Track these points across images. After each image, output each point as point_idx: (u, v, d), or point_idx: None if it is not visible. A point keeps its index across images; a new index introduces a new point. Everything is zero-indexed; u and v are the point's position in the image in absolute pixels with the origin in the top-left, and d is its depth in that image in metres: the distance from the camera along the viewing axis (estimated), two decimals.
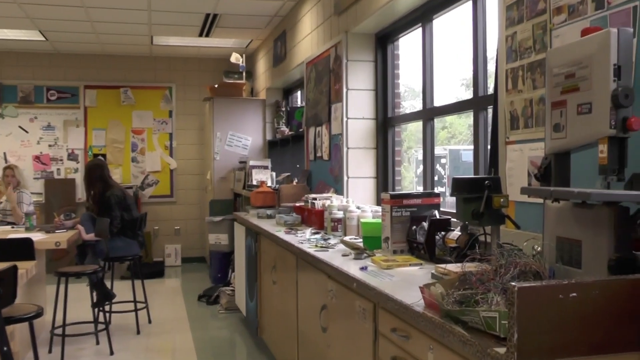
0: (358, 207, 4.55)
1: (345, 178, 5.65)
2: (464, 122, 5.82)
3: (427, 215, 3.50)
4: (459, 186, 2.87)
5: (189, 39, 9.67)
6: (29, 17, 8.28)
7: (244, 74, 9.91)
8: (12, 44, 10.04)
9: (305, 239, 4.31)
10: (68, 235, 6.03)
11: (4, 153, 10.55)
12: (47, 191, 10.48)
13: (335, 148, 5.91)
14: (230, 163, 9.38)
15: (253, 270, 5.85)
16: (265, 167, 8.55)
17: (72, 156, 10.77)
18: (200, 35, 9.32)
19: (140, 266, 7.20)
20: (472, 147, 5.20)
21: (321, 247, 3.92)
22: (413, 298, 2.42)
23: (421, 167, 5.74)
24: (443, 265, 2.78)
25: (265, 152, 9.49)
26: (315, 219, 5.01)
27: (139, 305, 6.87)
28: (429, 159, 4.83)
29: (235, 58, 9.52)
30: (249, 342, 6.29)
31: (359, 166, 5.67)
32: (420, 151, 5.75)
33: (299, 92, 9.05)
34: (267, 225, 5.36)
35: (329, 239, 4.31)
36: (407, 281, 2.81)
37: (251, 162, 8.54)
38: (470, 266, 2.42)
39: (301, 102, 8.74)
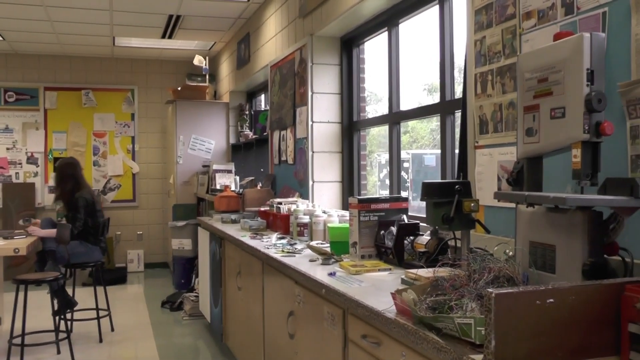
0: (324, 212, 4.51)
1: (310, 182, 5.61)
2: (425, 126, 5.82)
3: (395, 220, 3.47)
4: (429, 191, 2.84)
5: (151, 40, 9.56)
6: None
7: (207, 76, 9.83)
8: None
9: (271, 244, 4.26)
10: (27, 241, 5.89)
11: None
12: (5, 196, 10.26)
13: (300, 152, 5.87)
14: (194, 167, 9.29)
15: (217, 275, 5.78)
16: (229, 171, 8.48)
17: (31, 159, 10.56)
18: (163, 36, 9.22)
19: (102, 272, 7.08)
20: (434, 151, 5.22)
21: (288, 252, 3.87)
22: (384, 304, 2.39)
23: (384, 171, 5.73)
24: (413, 271, 2.75)
25: (228, 156, 9.42)
26: (280, 223, 4.96)
27: (101, 313, 6.75)
28: (395, 163, 4.81)
29: (198, 60, 9.45)
30: (213, 348, 6.21)
31: (325, 170, 5.63)
32: (383, 155, 5.75)
33: (262, 96, 9.00)
34: (231, 230, 5.29)
35: (295, 244, 4.26)
36: (377, 287, 2.77)
37: (214, 166, 8.47)
38: (441, 271, 2.39)
39: (265, 106, 8.69)
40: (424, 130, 6.53)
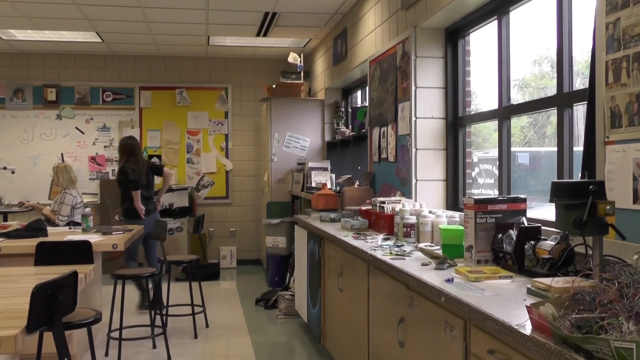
0: (431, 212, 4.30)
1: (413, 181, 5.39)
2: (515, 123, 5.50)
3: (514, 223, 3.22)
4: (559, 191, 2.59)
5: (246, 38, 9.50)
6: (87, 19, 8.20)
7: (302, 74, 9.71)
8: (70, 46, 10.01)
9: (377, 246, 4.06)
10: (125, 237, 5.88)
11: (61, 154, 10.54)
12: (102, 192, 10.41)
13: (402, 149, 5.65)
14: (288, 165, 9.19)
15: (316, 275, 5.62)
16: (325, 169, 8.34)
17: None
18: (258, 34, 9.15)
19: (196, 268, 7.02)
20: (527, 149, 4.92)
21: (396, 254, 3.67)
22: (514, 317, 2.17)
23: (476, 169, 5.46)
24: (542, 280, 2.52)
25: (324, 154, 9.27)
26: (384, 223, 4.76)
27: (196, 309, 6.71)
28: (506, 161, 4.55)
29: (292, 58, 9.33)
30: (309, 349, 6.06)
31: (428, 168, 5.40)
32: (475, 152, 5.46)
33: (359, 92, 8.81)
34: (331, 230, 5.12)
35: (402, 245, 4.06)
36: (501, 296, 2.54)
37: (310, 164, 8.33)
38: (580, 282, 2.15)
39: (362, 102, 8.50)
40: (514, 127, 6.21)
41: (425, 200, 5.34)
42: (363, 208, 5.37)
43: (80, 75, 10.64)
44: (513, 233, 3.14)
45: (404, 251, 3.77)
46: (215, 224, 11.04)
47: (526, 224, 3.20)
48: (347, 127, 8.63)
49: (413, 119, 5.39)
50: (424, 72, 5.42)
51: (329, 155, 9.13)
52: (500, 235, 3.20)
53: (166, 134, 10.82)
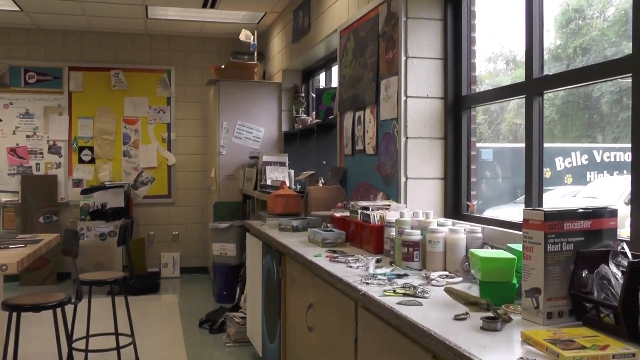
0: (440, 224, 3.05)
1: (402, 179, 4.12)
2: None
3: (606, 251, 1.97)
4: None
5: (190, 10, 8.15)
6: None
7: (255, 54, 8.41)
8: None
9: (368, 275, 2.77)
10: (27, 252, 4.48)
11: None
12: (24, 189, 8.98)
13: (385, 138, 4.39)
14: (239, 158, 7.88)
15: (274, 302, 4.32)
16: (282, 164, 7.07)
17: (53, 149, 9.25)
18: (205, 5, 7.80)
19: (125, 285, 5.62)
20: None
21: (404, 294, 2.39)
22: None
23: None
24: None
25: (280, 146, 7.98)
26: (369, 237, 3.48)
27: (123, 340, 5.35)
28: (537, 155, 3.29)
29: (245, 36, 8.06)
30: None
31: (422, 162, 4.15)
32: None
33: (322, 75, 7.55)
34: (296, 244, 3.83)
35: (405, 275, 2.77)
36: None
37: (264, 158, 7.05)
38: None
39: (326, 85, 7.22)
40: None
41: (418, 204, 4.09)
42: (337, 215, 4.08)
43: None
44: (611, 270, 1.89)
45: (415, 289, 2.47)
46: (156, 227, 9.66)
47: (629, 254, 1.96)
48: (309, 115, 7.37)
49: (402, 98, 4.12)
50: (417, 38, 4.16)
51: (286, 147, 7.85)
52: (586, 272, 1.95)
53: (100, 122, 9.40)
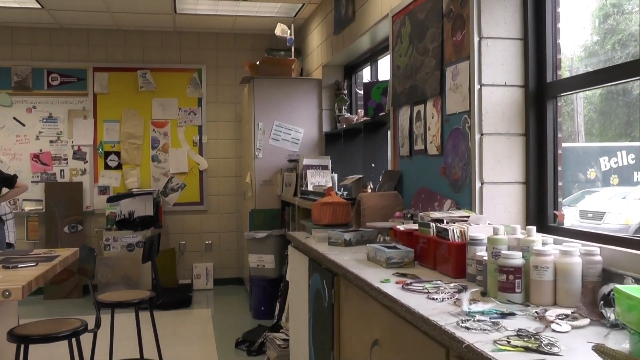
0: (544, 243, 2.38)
1: (477, 184, 3.45)
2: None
3: None
4: None
5: (222, 4, 7.56)
6: None
7: (292, 50, 7.78)
8: (4, 15, 8.02)
9: (462, 314, 2.09)
10: (37, 272, 3.88)
11: None
12: (48, 198, 8.47)
13: (453, 136, 3.72)
14: (277, 162, 7.25)
15: (325, 330, 3.66)
16: (325, 167, 6.43)
17: (78, 154, 8.73)
18: None
19: (152, 305, 5.00)
20: None
21: (526, 348, 1.72)
22: None
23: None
24: None
25: (321, 148, 7.33)
26: (447, 257, 2.81)
27: None
28: None
29: (281, 30, 7.46)
30: None
31: (501, 164, 3.47)
32: None
33: (365, 70, 6.90)
34: (353, 264, 3.17)
35: (509, 314, 2.09)
36: None
37: (305, 161, 6.41)
38: None
39: (372, 79, 6.56)
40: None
41: (495, 214, 3.42)
42: (401, 228, 3.40)
43: (20, 53, 8.66)
44: None
45: (537, 339, 1.79)
46: (187, 236, 9.08)
47: None
48: (353, 113, 6.73)
49: (475, 87, 3.45)
50: (492, 14, 3.49)
51: (328, 149, 7.20)
52: None
53: (127, 125, 8.86)
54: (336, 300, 3.41)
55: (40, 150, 8.67)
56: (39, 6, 7.60)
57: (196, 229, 9.14)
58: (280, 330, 5.68)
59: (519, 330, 1.87)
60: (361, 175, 5.60)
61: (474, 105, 3.46)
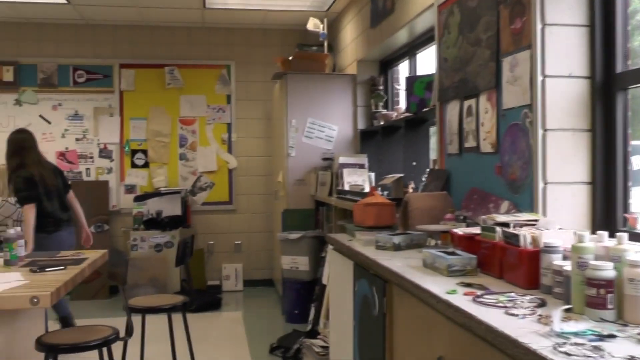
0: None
1: (539, 184, 3.18)
2: None
3: None
4: None
5: None
6: None
7: (325, 44, 7.54)
8: (31, 11, 7.86)
9: (551, 332, 1.84)
10: (66, 277, 3.66)
11: None
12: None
13: (511, 131, 3.45)
14: (310, 161, 7.01)
15: (375, 342, 3.40)
16: (361, 166, 6.19)
17: (104, 152, 8.56)
18: None
19: (185, 311, 4.78)
20: None
21: None
22: None
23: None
24: None
25: (356, 146, 7.08)
26: (518, 265, 2.54)
27: None
28: None
29: (313, 25, 7.25)
30: None
31: (566, 162, 3.20)
32: None
33: (403, 64, 6.65)
34: (408, 270, 2.91)
35: (609, 336, 1.82)
36: None
37: (341, 159, 6.17)
38: None
39: (410, 74, 6.30)
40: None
41: (560, 217, 3.14)
42: (458, 232, 3.13)
43: (45, 49, 8.50)
44: None
45: None
46: (216, 236, 8.87)
47: None
48: (390, 109, 6.49)
49: (538, 79, 3.18)
50: (556, 0, 3.22)
51: (363, 147, 6.95)
52: None
53: (153, 123, 8.67)
54: (388, 310, 3.16)
55: (66, 148, 8.50)
56: (65, 1, 7.43)
57: (225, 229, 8.92)
58: (318, 337, 5.44)
59: (632, 358, 1.60)
60: (402, 174, 5.34)
61: (537, 99, 3.19)
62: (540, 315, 2.02)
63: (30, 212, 5.56)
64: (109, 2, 7.50)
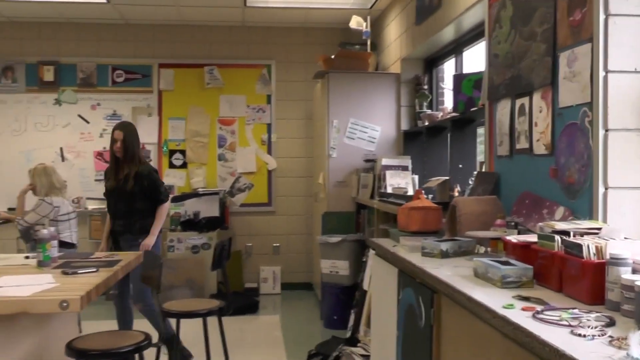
0: None
1: (600, 188, 2.94)
2: None
3: None
4: None
5: None
6: None
7: (368, 42, 7.34)
8: (71, 11, 7.86)
9: (626, 358, 1.62)
10: (98, 280, 3.52)
11: (61, 149, 8.41)
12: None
13: (568, 131, 3.22)
14: (352, 162, 6.83)
15: (421, 352, 3.19)
16: (405, 168, 5.98)
17: (142, 152, 8.44)
18: None
19: (221, 316, 4.63)
20: None
21: None
22: None
23: None
24: None
25: (399, 147, 6.87)
26: (580, 278, 2.32)
27: None
28: None
29: (356, 23, 7.10)
30: None
31: (629, 165, 2.96)
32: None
33: (448, 62, 6.43)
34: (458, 280, 2.70)
35: None
36: None
37: (384, 161, 5.97)
38: None
39: (457, 73, 6.08)
40: None
41: (622, 224, 2.90)
42: (512, 240, 2.90)
43: (85, 49, 8.47)
44: None
45: None
46: (254, 238, 8.73)
47: None
48: (434, 109, 6.28)
49: (600, 74, 2.95)
50: None
51: (406, 149, 6.74)
52: None
53: (192, 123, 8.56)
54: (436, 322, 2.95)
55: (104, 148, 8.41)
56: (104, 1, 7.36)
57: (263, 231, 8.78)
58: (358, 345, 5.24)
59: None
60: (447, 177, 5.12)
61: (598, 96, 2.96)
62: (611, 336, 1.80)
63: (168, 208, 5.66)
64: (149, 1, 7.42)
